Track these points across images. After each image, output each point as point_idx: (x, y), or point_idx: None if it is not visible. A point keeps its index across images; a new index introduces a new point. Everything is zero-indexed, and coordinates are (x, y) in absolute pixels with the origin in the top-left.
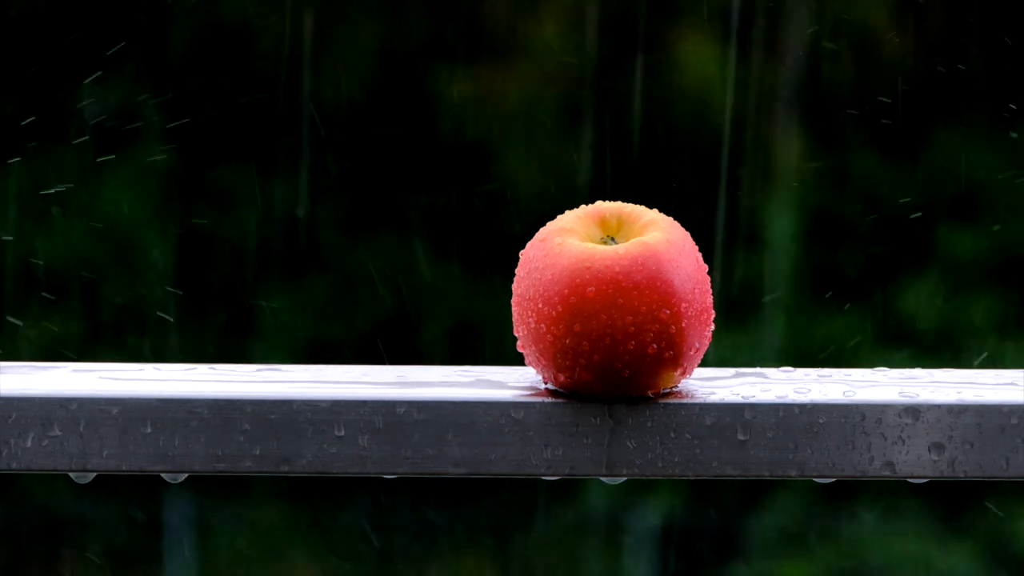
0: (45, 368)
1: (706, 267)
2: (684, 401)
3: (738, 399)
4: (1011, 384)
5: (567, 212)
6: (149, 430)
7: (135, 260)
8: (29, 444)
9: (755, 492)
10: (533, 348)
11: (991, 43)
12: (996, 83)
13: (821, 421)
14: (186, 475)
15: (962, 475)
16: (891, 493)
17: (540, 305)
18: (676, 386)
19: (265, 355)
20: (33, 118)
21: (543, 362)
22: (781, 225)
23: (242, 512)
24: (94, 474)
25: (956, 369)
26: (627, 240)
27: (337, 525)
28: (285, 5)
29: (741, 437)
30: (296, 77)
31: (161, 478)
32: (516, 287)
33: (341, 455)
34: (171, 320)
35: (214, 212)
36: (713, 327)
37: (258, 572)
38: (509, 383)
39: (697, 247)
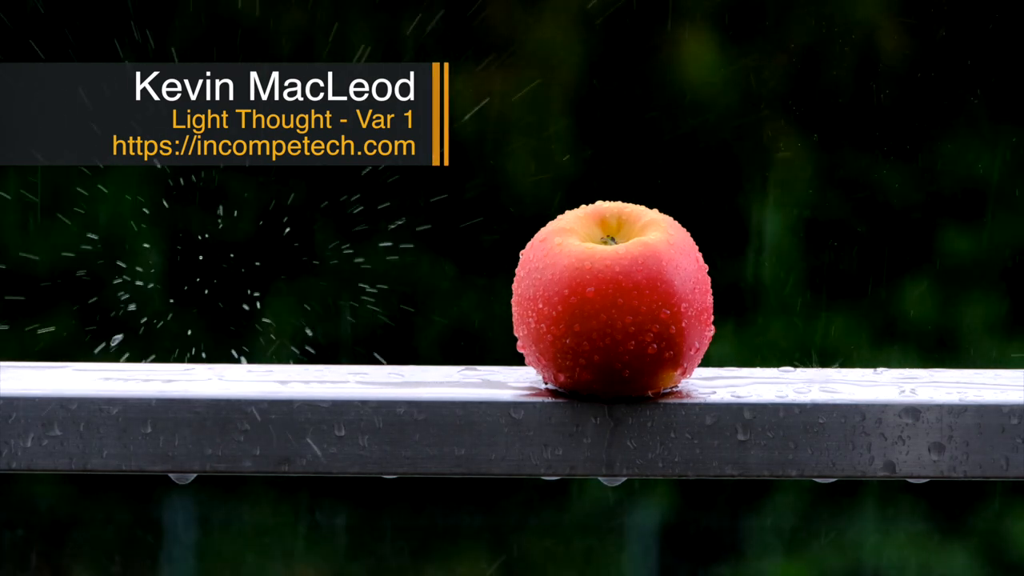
0: (45, 368)
1: (706, 267)
2: (684, 401)
3: (738, 399)
4: (1011, 384)
5: (567, 212)
6: (149, 430)
7: (134, 260)
8: (29, 444)
9: (755, 492)
10: (533, 348)
11: (992, 42)
12: (997, 83)
13: (821, 421)
14: (190, 475)
15: (962, 475)
16: (891, 493)
17: (540, 305)
18: (676, 386)
19: (264, 355)
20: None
21: (543, 362)
22: (780, 224)
23: (242, 512)
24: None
25: (956, 369)
26: (627, 240)
27: (337, 525)
28: None
29: (741, 437)
30: None
31: (160, 478)
32: (516, 287)
33: (341, 455)
34: (170, 320)
35: (211, 211)
36: (713, 327)
37: (258, 572)
38: (509, 383)
39: (697, 247)
